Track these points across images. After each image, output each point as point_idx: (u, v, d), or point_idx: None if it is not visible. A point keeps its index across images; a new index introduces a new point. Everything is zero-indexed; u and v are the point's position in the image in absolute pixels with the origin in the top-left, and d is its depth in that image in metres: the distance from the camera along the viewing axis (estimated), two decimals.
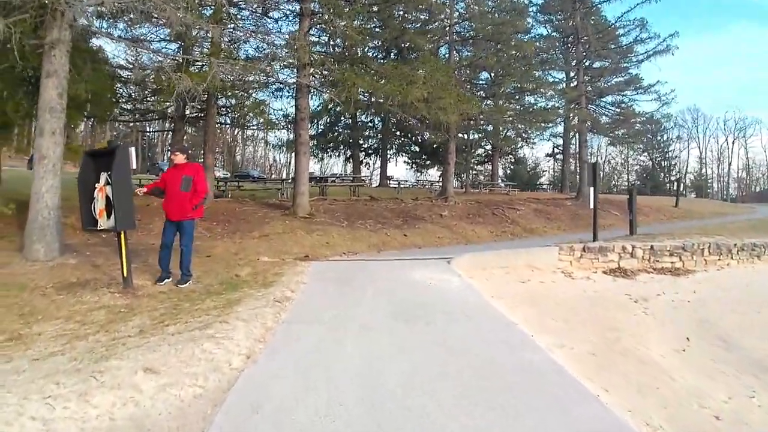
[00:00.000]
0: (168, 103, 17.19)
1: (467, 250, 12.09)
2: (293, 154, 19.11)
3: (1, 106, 11.48)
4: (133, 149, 7.18)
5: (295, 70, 16.56)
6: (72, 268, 8.21)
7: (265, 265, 9.59)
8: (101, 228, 7.24)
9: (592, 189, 12.83)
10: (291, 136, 24.78)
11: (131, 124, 24.59)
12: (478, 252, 11.44)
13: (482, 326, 5.70)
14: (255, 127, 21.58)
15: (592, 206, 12.72)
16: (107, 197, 7.04)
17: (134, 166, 7.19)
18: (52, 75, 8.73)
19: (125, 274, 7.02)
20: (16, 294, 6.61)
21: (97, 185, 7.17)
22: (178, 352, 4.52)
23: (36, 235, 8.59)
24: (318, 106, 31.39)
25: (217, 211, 15.61)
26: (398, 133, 40.04)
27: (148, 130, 31.99)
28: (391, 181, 39.61)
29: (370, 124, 41.03)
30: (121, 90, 17.74)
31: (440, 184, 31.35)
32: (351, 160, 42.91)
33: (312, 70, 16.79)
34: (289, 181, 23.66)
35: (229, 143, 64.30)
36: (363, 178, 38.13)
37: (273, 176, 55.46)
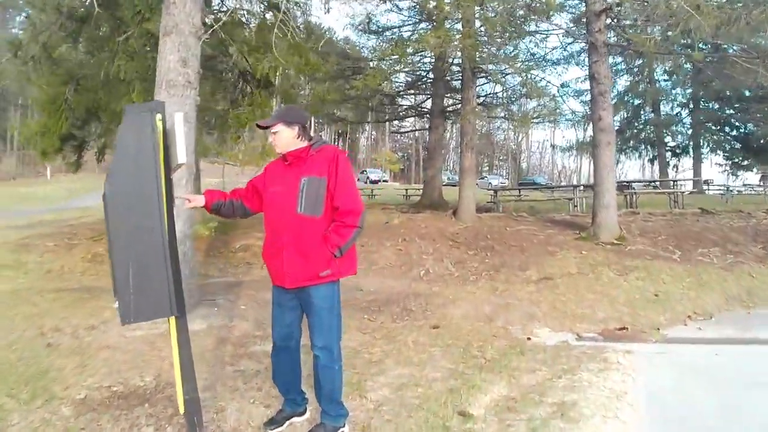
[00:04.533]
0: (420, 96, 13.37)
1: None
2: (591, 148, 13.23)
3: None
4: (181, 117, 2.48)
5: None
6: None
7: (538, 358, 4.37)
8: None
9: None
10: (579, 131, 18.62)
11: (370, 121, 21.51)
12: None
13: None
14: (537, 121, 16.20)
15: None
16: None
17: (182, 159, 2.48)
18: (171, 31, 5.49)
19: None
20: None
21: None
22: None
23: None
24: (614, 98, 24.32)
25: (477, 232, 10.82)
26: (712, 126, 30.07)
27: (400, 129, 28.98)
28: (709, 186, 29.62)
29: (677, 117, 31.88)
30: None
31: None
32: (655, 162, 34.04)
33: (608, 20, 10.99)
34: (581, 188, 17.52)
35: (512, 150, 60.23)
36: (680, 182, 29.18)
37: (562, 183, 49.12)
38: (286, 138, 2.84)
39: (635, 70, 29.36)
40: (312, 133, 2.98)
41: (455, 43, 10.77)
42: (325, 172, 2.77)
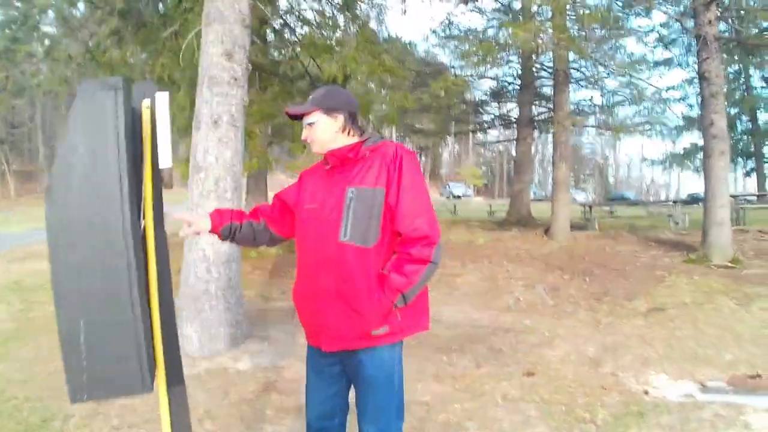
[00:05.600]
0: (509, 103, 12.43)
1: None
2: (701, 156, 11.78)
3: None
4: (164, 98, 1.66)
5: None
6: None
7: (662, 423, 3.41)
8: None
9: None
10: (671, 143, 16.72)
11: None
12: None
13: None
14: (639, 129, 14.67)
15: None
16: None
17: (164, 162, 1.68)
18: (213, 20, 4.82)
19: None
20: None
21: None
22: None
23: None
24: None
25: (572, 254, 9.75)
26: None
27: (485, 140, 27.48)
28: None
29: None
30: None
31: None
32: (751, 175, 30.47)
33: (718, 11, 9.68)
34: (680, 202, 15.70)
35: (600, 165, 57.29)
36: None
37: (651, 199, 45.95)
38: (325, 131, 2.02)
39: (730, 76, 26.66)
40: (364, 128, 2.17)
41: (547, 37, 9.76)
42: (383, 179, 1.92)
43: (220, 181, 4.83)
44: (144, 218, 1.58)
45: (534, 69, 14.87)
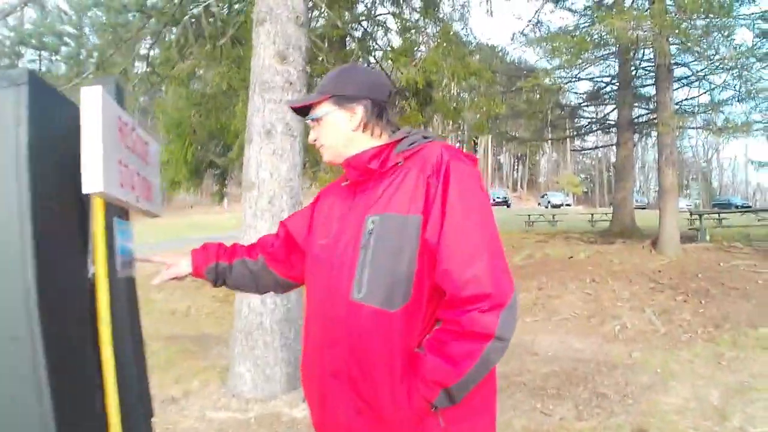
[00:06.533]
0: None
1: None
2: None
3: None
4: (96, 94, 1.17)
5: None
6: None
7: None
8: None
9: None
10: None
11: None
12: None
13: None
14: (757, 129, 13.16)
15: None
16: None
17: (93, 185, 1.16)
18: (265, 18, 4.44)
19: None
20: None
21: None
22: None
23: None
24: None
25: (684, 270, 8.88)
26: None
27: (583, 146, 25.96)
28: None
29: None
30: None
31: None
32: None
33: None
34: None
35: (701, 168, 53.30)
36: None
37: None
38: (338, 131, 1.40)
39: None
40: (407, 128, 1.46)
41: (647, 25, 8.91)
42: (419, 202, 1.24)
43: (275, 199, 4.39)
44: (93, 263, 1.23)
45: (633, 67, 13.93)
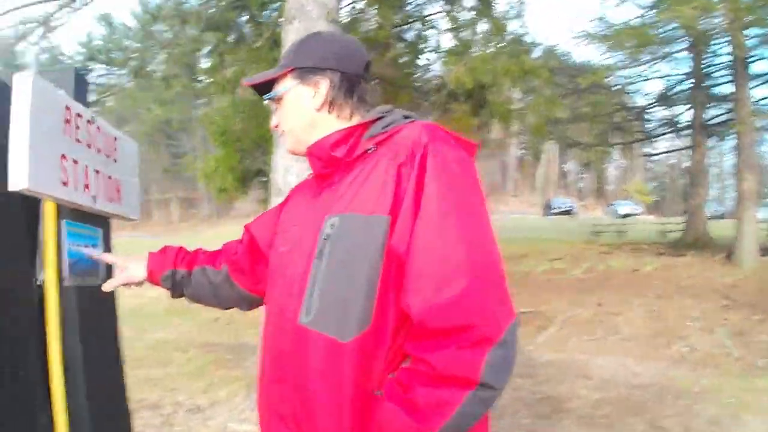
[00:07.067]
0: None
1: None
2: None
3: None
4: (26, 80, 1.09)
5: None
6: None
7: None
8: None
9: None
10: None
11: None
12: None
13: None
14: None
15: None
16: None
17: (18, 181, 1.08)
18: (294, 16, 4.25)
19: None
20: None
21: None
22: None
23: None
24: None
25: (762, 285, 8.19)
26: None
27: (652, 152, 24.34)
28: None
29: None
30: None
31: None
32: None
33: None
34: None
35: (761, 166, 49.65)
36: None
37: None
38: (298, 111, 1.13)
39: None
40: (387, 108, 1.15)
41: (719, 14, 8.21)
42: (387, 198, 0.95)
43: None
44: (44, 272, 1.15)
45: (706, 63, 13.07)
